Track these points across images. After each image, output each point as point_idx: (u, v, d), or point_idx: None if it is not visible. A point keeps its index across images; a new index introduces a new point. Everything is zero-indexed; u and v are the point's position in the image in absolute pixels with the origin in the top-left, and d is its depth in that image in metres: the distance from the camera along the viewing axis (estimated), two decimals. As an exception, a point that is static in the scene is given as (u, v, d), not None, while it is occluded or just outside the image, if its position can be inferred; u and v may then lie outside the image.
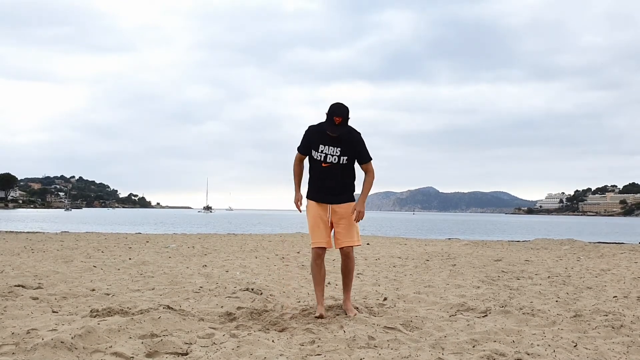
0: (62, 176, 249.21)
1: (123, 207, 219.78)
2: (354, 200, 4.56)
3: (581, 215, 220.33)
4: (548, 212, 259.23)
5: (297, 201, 4.57)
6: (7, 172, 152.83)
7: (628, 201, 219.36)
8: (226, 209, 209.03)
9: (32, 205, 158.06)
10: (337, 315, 4.42)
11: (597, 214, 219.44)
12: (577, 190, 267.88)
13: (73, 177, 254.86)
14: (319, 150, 4.41)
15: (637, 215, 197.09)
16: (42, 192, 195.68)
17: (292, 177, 4.67)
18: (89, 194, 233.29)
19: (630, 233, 38.53)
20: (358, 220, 4.47)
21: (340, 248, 4.54)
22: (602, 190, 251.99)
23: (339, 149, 4.38)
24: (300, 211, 4.57)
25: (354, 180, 4.58)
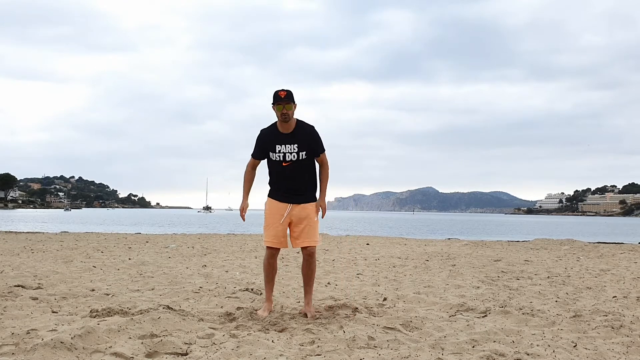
0: (61, 176, 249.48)
1: (123, 207, 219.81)
2: (315, 199, 4.56)
3: (581, 215, 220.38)
4: (548, 212, 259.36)
5: (243, 210, 4.55)
6: (6, 172, 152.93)
7: (627, 201, 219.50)
8: (226, 209, 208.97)
9: (31, 206, 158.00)
10: (337, 315, 4.42)
11: (596, 214, 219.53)
12: (576, 191, 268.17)
13: (73, 177, 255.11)
14: (277, 151, 4.40)
15: (636, 215, 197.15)
16: (42, 192, 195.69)
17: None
18: (89, 194, 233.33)
19: (630, 233, 38.55)
20: (323, 216, 4.51)
21: (303, 248, 4.52)
22: (602, 190, 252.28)
23: (296, 145, 4.39)
24: (244, 220, 4.58)
25: (316, 175, 4.58)
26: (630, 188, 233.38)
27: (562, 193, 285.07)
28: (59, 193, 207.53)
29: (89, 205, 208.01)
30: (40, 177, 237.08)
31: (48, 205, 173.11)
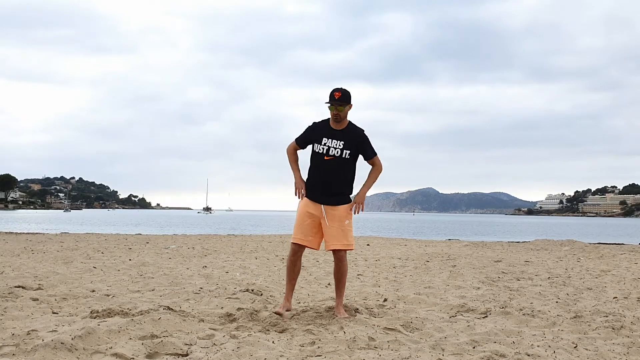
0: (62, 177, 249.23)
1: (123, 208, 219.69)
2: (349, 202, 4.54)
3: (581, 216, 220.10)
4: (548, 212, 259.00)
5: (300, 187, 4.50)
6: (7, 172, 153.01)
7: (628, 202, 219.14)
8: (226, 210, 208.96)
9: (31, 206, 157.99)
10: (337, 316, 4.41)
11: (597, 214, 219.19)
12: (577, 191, 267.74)
13: (73, 178, 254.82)
14: (322, 143, 4.42)
15: (637, 216, 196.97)
16: (42, 193, 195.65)
17: (288, 164, 4.61)
18: (89, 194, 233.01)
19: (630, 234, 38.51)
20: (357, 212, 4.47)
21: (333, 251, 4.51)
22: (602, 191, 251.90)
23: (342, 142, 4.41)
24: (301, 197, 4.50)
25: (354, 180, 4.57)
26: (631, 189, 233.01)
27: (563, 194, 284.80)
28: (59, 194, 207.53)
29: (89, 206, 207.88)
30: (41, 177, 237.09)
31: (48, 206, 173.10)
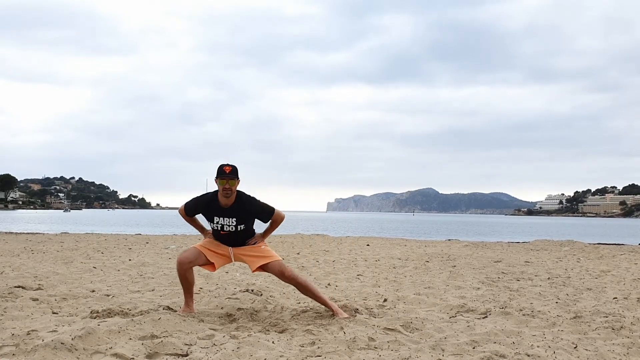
0: (61, 177, 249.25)
1: (123, 208, 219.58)
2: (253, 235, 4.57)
3: (581, 216, 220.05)
4: (548, 213, 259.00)
5: (208, 235, 4.59)
6: (7, 172, 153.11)
7: (628, 202, 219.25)
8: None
9: (31, 206, 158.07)
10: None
11: (596, 215, 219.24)
12: (576, 192, 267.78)
13: (73, 178, 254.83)
14: (214, 222, 4.42)
15: (636, 216, 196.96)
16: (42, 193, 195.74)
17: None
18: (89, 195, 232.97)
19: (630, 234, 38.50)
20: (252, 242, 4.50)
21: (282, 274, 4.42)
22: (602, 191, 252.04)
23: (234, 219, 4.37)
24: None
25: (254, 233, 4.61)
26: (630, 189, 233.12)
27: (562, 194, 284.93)
28: (59, 194, 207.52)
29: (89, 206, 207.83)
30: (41, 178, 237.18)
31: (48, 206, 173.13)
